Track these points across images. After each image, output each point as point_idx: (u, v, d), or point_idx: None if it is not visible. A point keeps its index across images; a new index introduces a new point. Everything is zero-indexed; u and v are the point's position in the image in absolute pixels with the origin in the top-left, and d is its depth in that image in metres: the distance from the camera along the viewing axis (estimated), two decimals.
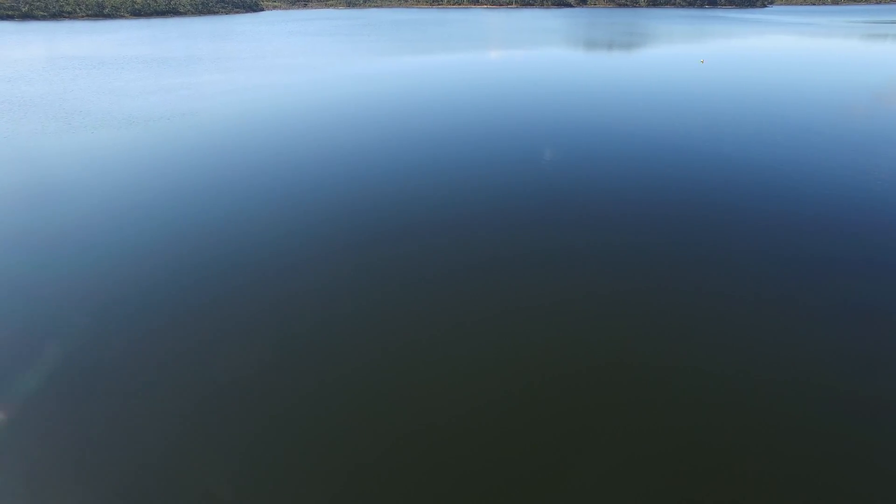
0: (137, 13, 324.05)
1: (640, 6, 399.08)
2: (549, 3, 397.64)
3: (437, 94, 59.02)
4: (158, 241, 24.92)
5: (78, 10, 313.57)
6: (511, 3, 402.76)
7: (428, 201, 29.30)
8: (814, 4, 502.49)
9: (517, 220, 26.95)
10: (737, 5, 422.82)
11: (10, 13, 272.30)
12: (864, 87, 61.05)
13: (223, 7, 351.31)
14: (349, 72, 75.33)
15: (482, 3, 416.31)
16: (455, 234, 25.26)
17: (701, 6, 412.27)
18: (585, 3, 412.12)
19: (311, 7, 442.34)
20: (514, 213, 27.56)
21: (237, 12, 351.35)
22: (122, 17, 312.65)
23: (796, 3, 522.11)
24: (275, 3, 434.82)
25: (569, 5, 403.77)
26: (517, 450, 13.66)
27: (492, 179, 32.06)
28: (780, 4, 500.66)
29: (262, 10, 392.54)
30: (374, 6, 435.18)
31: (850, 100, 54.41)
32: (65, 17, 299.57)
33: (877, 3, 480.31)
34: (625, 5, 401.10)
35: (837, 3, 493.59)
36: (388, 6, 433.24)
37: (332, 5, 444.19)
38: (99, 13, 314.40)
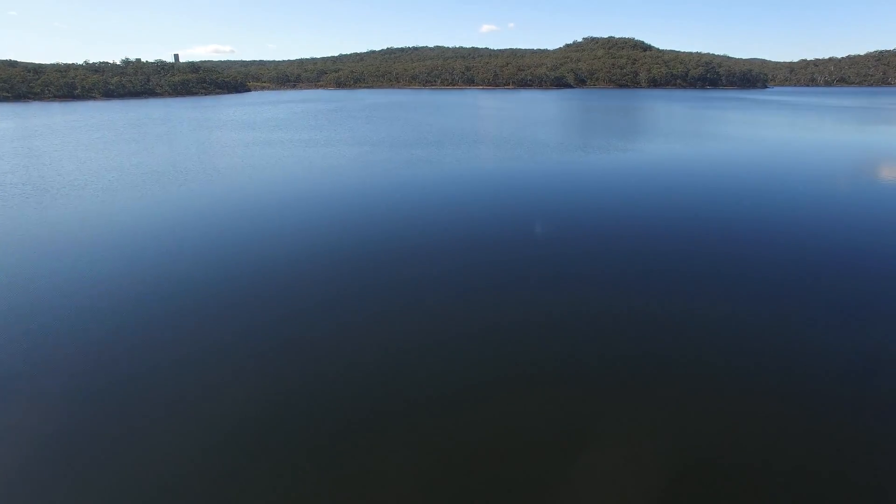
0: (110, 94, 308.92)
1: (641, 87, 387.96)
2: (548, 83, 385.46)
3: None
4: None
5: (46, 92, 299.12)
6: (508, 84, 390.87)
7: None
8: (807, 86, 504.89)
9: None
10: (738, 86, 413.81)
11: None
12: None
13: (204, 88, 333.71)
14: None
15: (477, 84, 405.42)
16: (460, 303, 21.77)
17: (702, 87, 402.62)
18: (585, 84, 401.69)
19: (300, 87, 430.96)
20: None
21: (219, 93, 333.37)
22: (93, 98, 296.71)
23: (789, 85, 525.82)
24: (263, 84, 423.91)
25: (568, 86, 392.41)
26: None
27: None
28: (775, 86, 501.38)
29: (248, 90, 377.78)
30: (366, 86, 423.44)
31: None
32: (32, 99, 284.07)
33: (868, 85, 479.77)
34: (625, 86, 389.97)
35: (830, 85, 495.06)
36: (380, 87, 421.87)
37: (321, 86, 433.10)
38: (69, 94, 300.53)
